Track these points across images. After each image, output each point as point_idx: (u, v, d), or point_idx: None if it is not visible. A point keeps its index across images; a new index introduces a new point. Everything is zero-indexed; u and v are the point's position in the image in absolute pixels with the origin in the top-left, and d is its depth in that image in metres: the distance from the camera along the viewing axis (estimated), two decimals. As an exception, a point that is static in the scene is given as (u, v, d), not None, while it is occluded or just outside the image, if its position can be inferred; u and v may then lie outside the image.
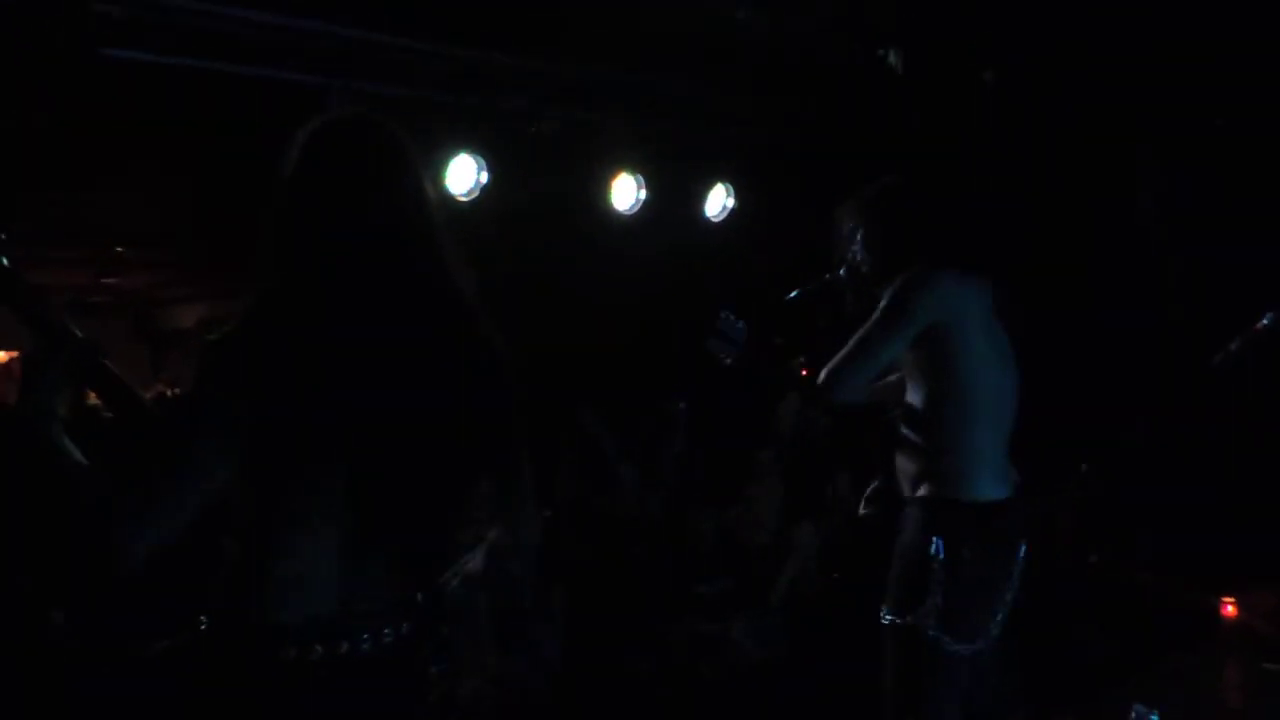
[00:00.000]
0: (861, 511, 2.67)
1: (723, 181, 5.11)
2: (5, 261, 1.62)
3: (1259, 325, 3.10)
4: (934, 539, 2.30)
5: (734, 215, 5.17)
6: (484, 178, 4.25)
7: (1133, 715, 3.31)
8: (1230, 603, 4.60)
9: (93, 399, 1.75)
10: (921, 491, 2.37)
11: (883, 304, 2.36)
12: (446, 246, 1.71)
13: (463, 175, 4.24)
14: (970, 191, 2.58)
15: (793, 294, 2.80)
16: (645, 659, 3.91)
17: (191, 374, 1.59)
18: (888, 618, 2.37)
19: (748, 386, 4.51)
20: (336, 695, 1.60)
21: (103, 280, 7.90)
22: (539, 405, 1.83)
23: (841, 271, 2.55)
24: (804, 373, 5.01)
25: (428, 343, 1.65)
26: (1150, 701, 3.37)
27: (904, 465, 2.44)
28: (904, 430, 2.42)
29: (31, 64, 3.26)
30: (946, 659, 2.28)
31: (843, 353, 2.34)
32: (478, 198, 4.23)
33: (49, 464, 1.56)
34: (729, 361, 2.66)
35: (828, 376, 2.34)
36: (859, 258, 2.50)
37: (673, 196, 4.98)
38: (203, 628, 1.62)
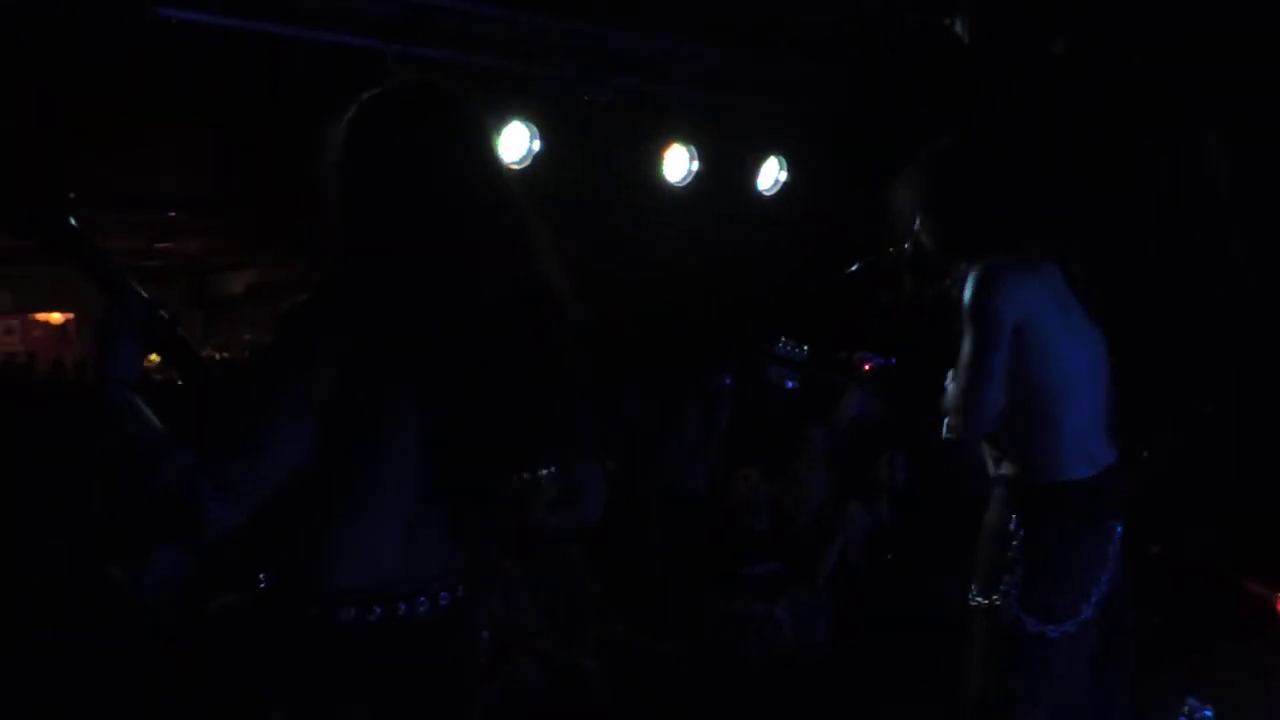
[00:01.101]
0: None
1: (776, 154, 5.03)
2: (74, 221, 1.61)
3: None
4: (1013, 517, 2.25)
5: (787, 189, 5.09)
6: (536, 146, 4.23)
7: (1186, 708, 3.24)
8: (1290, 594, 4.48)
9: (149, 362, 1.74)
10: (1002, 470, 2.32)
11: (968, 321, 2.25)
12: (519, 214, 1.69)
13: (515, 143, 4.21)
14: (1035, 165, 2.48)
15: (853, 267, 2.73)
16: (686, 638, 3.90)
17: (265, 344, 1.59)
18: (974, 599, 2.32)
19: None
20: (392, 656, 1.61)
21: (157, 245, 8.02)
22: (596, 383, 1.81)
23: (906, 246, 2.47)
24: (865, 368, 4.95)
25: (495, 310, 1.64)
26: (1203, 692, 3.30)
27: (987, 447, 2.38)
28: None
29: (89, 24, 3.28)
30: (1031, 641, 2.23)
31: (957, 390, 2.26)
32: (529, 166, 4.21)
33: (127, 430, 1.54)
34: (792, 386, 2.61)
35: (956, 419, 2.25)
36: (923, 232, 2.43)
37: (725, 168, 4.92)
38: (262, 586, 1.63)
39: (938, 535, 2.41)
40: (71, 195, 1.62)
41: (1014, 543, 2.23)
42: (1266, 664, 4.19)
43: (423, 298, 1.59)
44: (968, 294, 2.26)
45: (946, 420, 2.31)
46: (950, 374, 2.35)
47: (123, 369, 1.58)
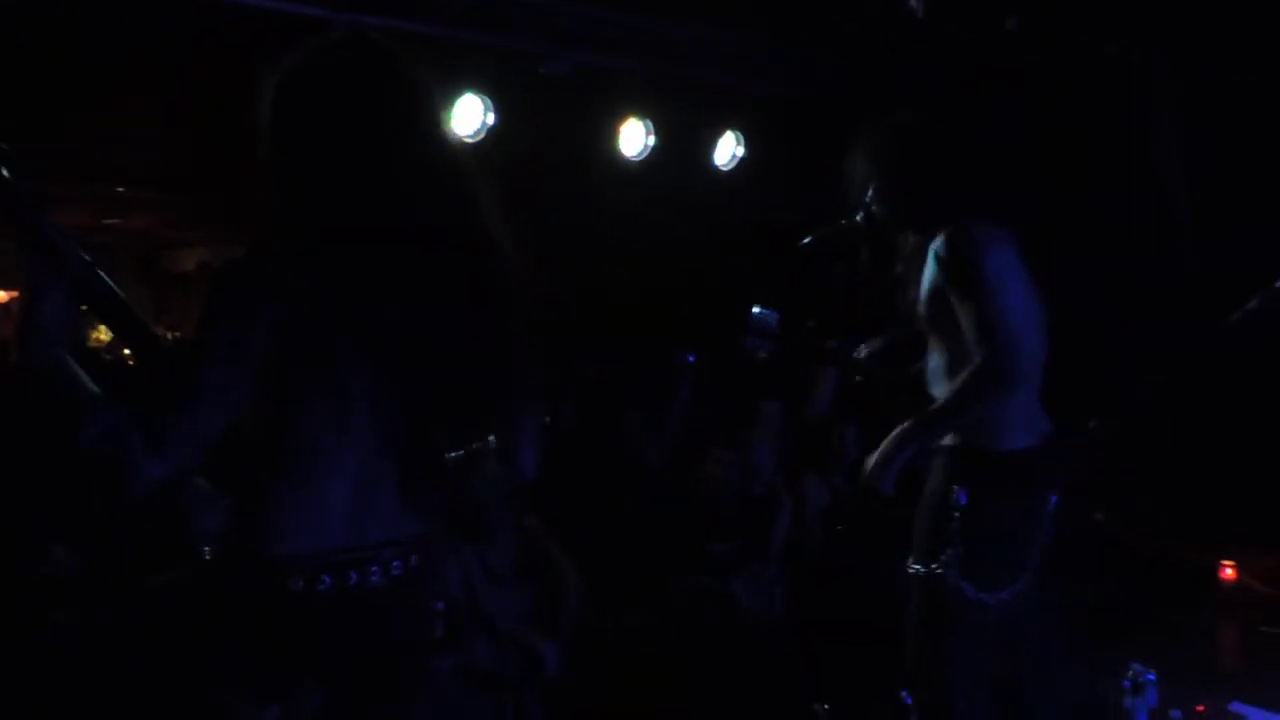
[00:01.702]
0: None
1: (733, 130, 5.02)
2: (6, 173, 1.57)
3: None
4: (956, 488, 2.28)
5: (744, 165, 5.09)
6: (490, 119, 4.19)
7: (1130, 673, 3.32)
8: (1230, 565, 4.60)
9: (93, 341, 1.72)
10: (947, 440, 2.35)
11: (966, 274, 2.25)
12: (465, 181, 1.68)
13: (469, 116, 4.17)
14: (987, 138, 2.51)
15: (806, 240, 2.74)
16: (640, 612, 3.92)
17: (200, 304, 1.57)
18: (912, 567, 2.36)
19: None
20: (343, 626, 1.59)
21: (105, 221, 7.84)
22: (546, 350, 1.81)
23: (859, 217, 2.49)
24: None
25: (441, 270, 1.63)
26: (1148, 659, 3.38)
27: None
28: (930, 385, 2.39)
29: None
30: (970, 608, 2.27)
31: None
32: (483, 139, 4.17)
33: (57, 389, 1.51)
34: (764, 356, 2.62)
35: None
36: (875, 203, 2.44)
37: (682, 144, 4.90)
38: (206, 559, 1.61)
39: (889, 509, 2.43)
40: (4, 147, 1.57)
41: (956, 513, 2.26)
42: (1208, 630, 4.31)
43: (359, 265, 1.57)
44: (949, 252, 2.26)
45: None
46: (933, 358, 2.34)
47: (48, 318, 1.54)
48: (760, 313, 2.58)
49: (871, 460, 2.35)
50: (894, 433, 2.33)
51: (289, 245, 1.58)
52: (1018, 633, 2.38)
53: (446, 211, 1.63)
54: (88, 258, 1.61)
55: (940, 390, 2.35)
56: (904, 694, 2.95)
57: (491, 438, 1.74)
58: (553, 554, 3.77)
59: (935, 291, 2.32)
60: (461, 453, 1.73)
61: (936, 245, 2.27)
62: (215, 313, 1.54)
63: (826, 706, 3.03)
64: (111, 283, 1.64)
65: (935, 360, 2.37)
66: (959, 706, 2.30)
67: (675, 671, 3.68)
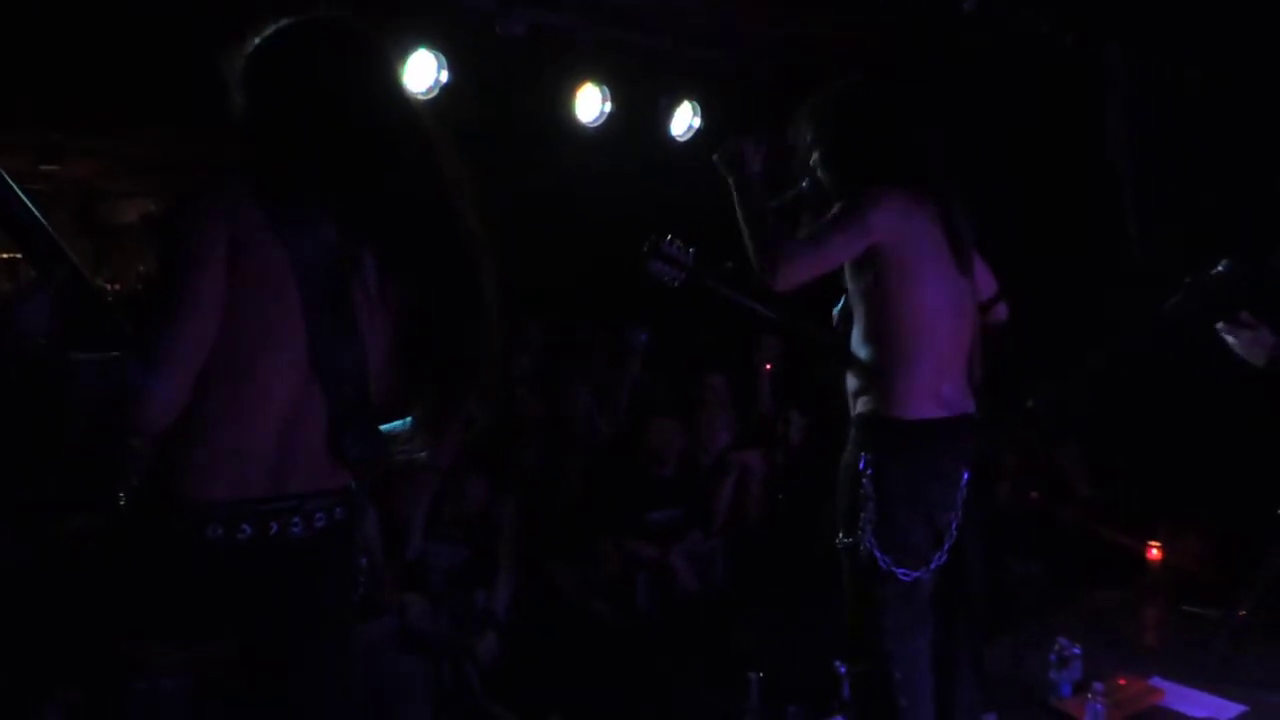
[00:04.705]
0: None
1: (690, 100, 5.00)
2: None
3: (1215, 271, 3.10)
4: (863, 455, 2.31)
5: (700, 136, 5.07)
6: (444, 77, 4.11)
7: (1056, 647, 3.41)
8: (1156, 546, 4.74)
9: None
10: (858, 409, 2.38)
11: (836, 212, 2.30)
12: (424, 137, 1.68)
13: (422, 73, 4.08)
14: (934, 111, 2.51)
15: None
16: (581, 582, 3.92)
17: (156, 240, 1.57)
18: (839, 541, 2.38)
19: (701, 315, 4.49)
20: (263, 577, 1.56)
21: (41, 167, 7.60)
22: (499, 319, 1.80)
23: (804, 184, 2.49)
24: (767, 368, 5.01)
25: (396, 225, 1.64)
26: (1074, 636, 3.47)
27: (848, 385, 2.43)
28: (851, 352, 2.41)
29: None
30: (893, 582, 2.30)
31: (792, 241, 2.27)
32: (436, 97, 4.09)
33: (50, 373, 1.53)
34: (676, 284, 2.61)
35: (775, 259, 2.22)
36: (819, 169, 2.44)
37: (638, 112, 4.87)
38: (121, 504, 1.57)
39: (828, 488, 2.46)
40: None
41: (864, 480, 2.30)
42: (1132, 608, 4.44)
43: (311, 203, 1.58)
44: (850, 196, 2.30)
45: (767, 257, 2.25)
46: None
47: (28, 332, 1.56)
48: (671, 240, 2.57)
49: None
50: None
51: (245, 176, 1.60)
52: (948, 606, 2.42)
53: (402, 168, 1.64)
54: (74, 259, 1.60)
55: (860, 353, 2.38)
56: (838, 664, 3.01)
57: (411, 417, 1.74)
58: (493, 513, 3.76)
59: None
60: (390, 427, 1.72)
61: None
62: (179, 226, 1.55)
63: (760, 674, 3.07)
64: (30, 204, 1.60)
65: (857, 322, 2.40)
66: (895, 676, 2.33)
67: (611, 639, 3.70)
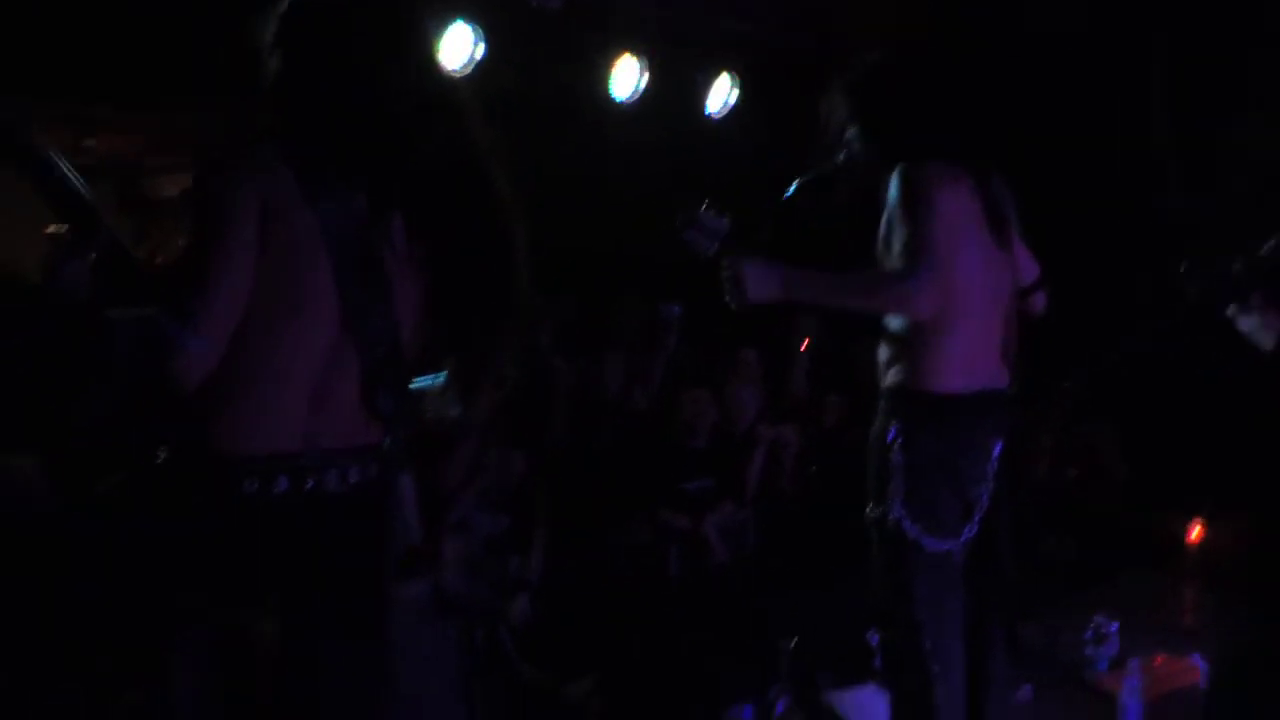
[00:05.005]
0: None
1: (728, 73, 4.96)
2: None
3: (1264, 251, 3.04)
4: (892, 426, 2.30)
5: (737, 112, 5.04)
6: (480, 52, 4.12)
7: (1093, 624, 3.38)
8: (1198, 525, 4.67)
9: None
10: (888, 380, 2.36)
11: (902, 210, 2.23)
12: (458, 111, 1.69)
13: (459, 47, 4.10)
14: (970, 81, 2.48)
15: (790, 189, 2.72)
16: (614, 551, 3.94)
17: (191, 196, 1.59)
18: (869, 512, 2.38)
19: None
20: (299, 530, 1.58)
21: (83, 142, 7.70)
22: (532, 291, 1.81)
23: (841, 157, 2.46)
24: (803, 348, 4.98)
25: (430, 190, 1.65)
26: (1111, 614, 3.44)
27: (880, 356, 2.42)
28: (883, 324, 2.40)
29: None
30: (921, 552, 2.29)
31: (897, 275, 2.20)
32: (472, 72, 4.10)
33: (89, 331, 1.55)
34: (710, 254, 2.60)
35: (904, 300, 2.18)
36: (854, 144, 2.42)
37: (675, 86, 4.85)
38: (160, 460, 1.60)
39: (861, 461, 2.45)
40: None
41: (893, 451, 2.28)
42: (1170, 590, 4.39)
43: (348, 173, 1.59)
44: (894, 192, 2.26)
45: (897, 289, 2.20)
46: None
47: (71, 294, 1.56)
48: (707, 210, 2.55)
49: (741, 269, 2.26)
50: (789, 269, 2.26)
51: (277, 141, 1.61)
52: (980, 578, 2.40)
53: (434, 135, 1.65)
54: (110, 227, 1.62)
55: (890, 323, 2.36)
56: (870, 634, 3.00)
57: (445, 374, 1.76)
58: (530, 484, 3.79)
59: (887, 223, 2.32)
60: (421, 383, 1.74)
61: (892, 178, 2.27)
62: (211, 191, 1.57)
63: (792, 643, 3.07)
64: (69, 171, 1.63)
65: None
66: (925, 645, 2.32)
67: (644, 606, 3.72)
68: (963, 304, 2.29)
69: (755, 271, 2.24)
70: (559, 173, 5.01)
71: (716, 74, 4.95)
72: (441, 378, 1.75)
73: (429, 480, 3.20)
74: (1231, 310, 3.00)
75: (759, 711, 3.05)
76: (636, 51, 4.63)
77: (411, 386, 1.75)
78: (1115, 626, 3.37)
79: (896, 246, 2.24)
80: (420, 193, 1.66)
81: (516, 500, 3.74)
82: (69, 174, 1.66)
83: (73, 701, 2.52)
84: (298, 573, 1.62)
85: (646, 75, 4.66)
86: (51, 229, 1.62)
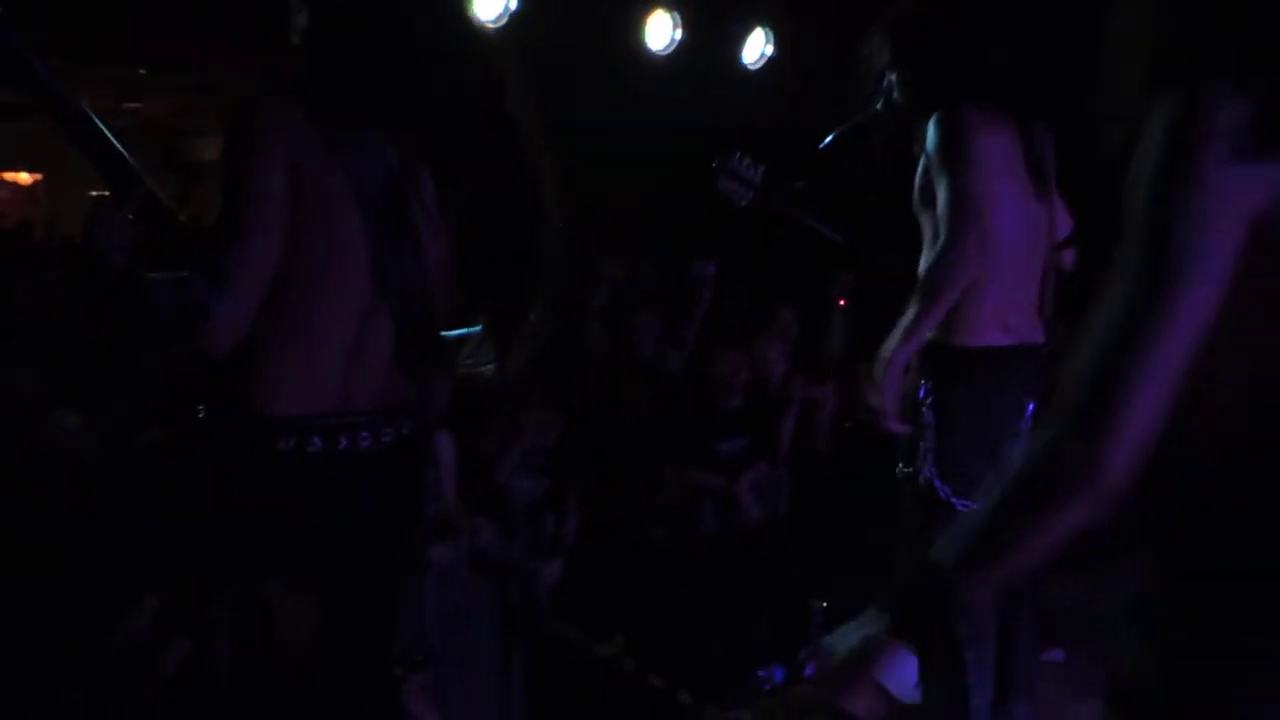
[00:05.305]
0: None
1: (763, 26, 4.87)
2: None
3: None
4: (923, 383, 2.26)
5: (773, 64, 4.95)
6: (513, 4, 4.06)
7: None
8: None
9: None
10: None
11: (940, 158, 2.18)
12: (491, 67, 1.68)
13: (492, 0, 4.05)
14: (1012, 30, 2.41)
15: (827, 140, 2.67)
16: (647, 510, 3.95)
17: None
18: (900, 470, 2.35)
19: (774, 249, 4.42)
20: (334, 487, 1.60)
21: (125, 105, 7.79)
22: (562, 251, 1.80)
23: (879, 105, 2.41)
24: (841, 303, 4.91)
25: (459, 144, 1.65)
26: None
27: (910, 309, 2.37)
28: (919, 276, 2.35)
29: None
30: (952, 512, 2.26)
31: (956, 205, 2.14)
32: (505, 25, 4.05)
33: (128, 291, 1.56)
34: (744, 203, 2.56)
35: (954, 261, 2.14)
36: (894, 90, 2.36)
37: (710, 40, 4.77)
38: (200, 417, 1.62)
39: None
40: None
41: (924, 409, 2.24)
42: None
43: (371, 120, 1.59)
44: (931, 140, 2.20)
45: (948, 248, 2.17)
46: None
47: (113, 252, 1.58)
48: (741, 159, 2.52)
49: (873, 379, 2.28)
50: (879, 355, 2.25)
51: (305, 97, 1.60)
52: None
53: (464, 89, 1.64)
54: (148, 181, 1.63)
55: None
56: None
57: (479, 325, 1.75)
58: (568, 445, 3.80)
59: (924, 172, 2.26)
60: (455, 333, 1.73)
61: (929, 125, 2.21)
62: (239, 152, 1.57)
63: (825, 604, 3.07)
64: (106, 132, 1.63)
65: (925, 245, 2.32)
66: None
67: (676, 566, 3.73)
68: (1000, 256, 2.24)
69: None
70: (595, 127, 4.97)
71: (751, 26, 4.86)
72: (476, 329, 1.76)
73: (469, 441, 3.23)
74: None
75: (789, 672, 3.06)
76: (669, 5, 4.55)
77: (446, 345, 1.76)
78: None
79: (940, 201, 2.19)
80: (450, 146, 1.65)
81: (553, 462, 3.76)
82: (108, 134, 1.67)
83: (117, 655, 2.59)
84: (332, 530, 1.64)
85: (680, 29, 4.58)
86: (95, 193, 1.64)
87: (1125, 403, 0.92)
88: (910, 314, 2.21)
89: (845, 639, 1.15)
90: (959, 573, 1.06)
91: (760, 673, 3.11)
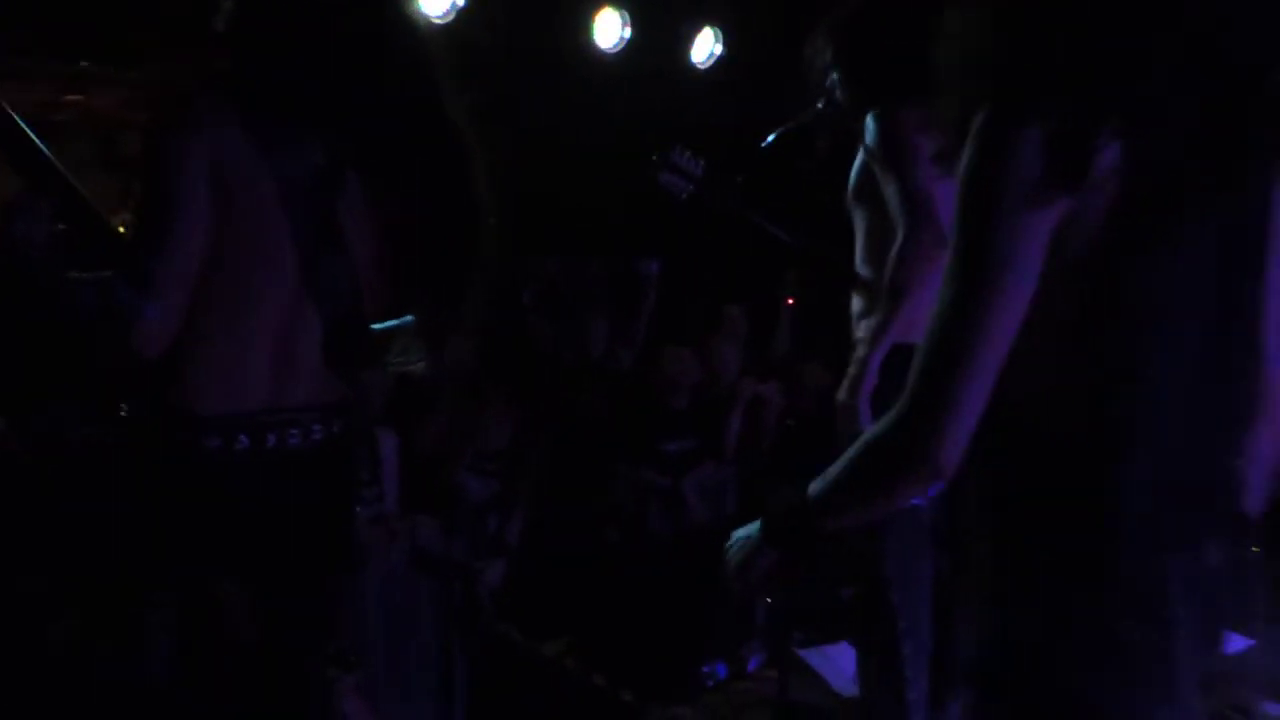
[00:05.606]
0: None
1: (712, 26, 4.89)
2: None
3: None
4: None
5: (722, 64, 4.97)
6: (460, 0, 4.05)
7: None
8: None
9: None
10: (859, 333, 2.33)
11: (880, 151, 2.19)
12: (425, 61, 1.65)
13: (438, -6, 4.02)
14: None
15: (769, 139, 2.68)
16: (593, 510, 3.95)
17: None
18: None
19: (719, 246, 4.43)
20: (262, 485, 1.58)
21: (66, 98, 7.60)
22: (504, 251, 1.78)
23: (820, 105, 2.42)
24: (789, 302, 4.94)
25: (390, 138, 1.62)
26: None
27: (852, 309, 2.38)
28: (857, 274, 2.36)
29: None
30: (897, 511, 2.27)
31: (910, 200, 2.14)
32: (451, 20, 4.03)
33: (47, 289, 1.51)
34: (684, 197, 2.56)
35: (909, 272, 2.13)
36: (836, 89, 2.37)
37: (659, 38, 4.77)
38: (123, 415, 1.59)
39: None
40: None
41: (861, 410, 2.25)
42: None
43: (302, 123, 1.56)
44: (871, 139, 2.22)
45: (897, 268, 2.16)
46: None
47: (27, 249, 1.52)
48: (681, 152, 2.53)
49: (842, 395, 2.27)
50: (850, 371, 2.26)
51: (230, 91, 1.56)
52: (949, 535, 2.40)
53: (395, 84, 1.61)
54: (67, 175, 1.59)
55: (863, 270, 2.33)
56: (844, 591, 3.02)
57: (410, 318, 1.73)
58: (519, 447, 3.79)
59: (862, 169, 2.28)
60: (385, 325, 1.72)
61: (868, 123, 2.22)
62: (161, 149, 1.53)
63: (768, 600, 3.09)
64: (25, 127, 1.59)
65: (859, 241, 2.34)
66: (894, 599, 2.32)
67: (621, 566, 3.73)
68: (943, 252, 2.25)
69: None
70: (541, 126, 4.94)
71: (700, 25, 4.87)
72: (408, 321, 1.74)
73: (412, 441, 3.19)
74: None
75: (732, 668, 3.07)
76: (618, 3, 4.55)
77: (375, 327, 1.74)
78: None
79: (890, 202, 2.19)
80: (379, 144, 1.63)
81: (504, 463, 3.74)
82: (24, 127, 1.62)
83: (47, 657, 2.53)
84: (261, 529, 1.61)
85: (629, 28, 4.58)
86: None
87: (951, 396, 1.07)
88: (878, 318, 2.22)
89: (739, 545, 1.36)
90: (814, 510, 1.22)
91: (704, 669, 3.12)
